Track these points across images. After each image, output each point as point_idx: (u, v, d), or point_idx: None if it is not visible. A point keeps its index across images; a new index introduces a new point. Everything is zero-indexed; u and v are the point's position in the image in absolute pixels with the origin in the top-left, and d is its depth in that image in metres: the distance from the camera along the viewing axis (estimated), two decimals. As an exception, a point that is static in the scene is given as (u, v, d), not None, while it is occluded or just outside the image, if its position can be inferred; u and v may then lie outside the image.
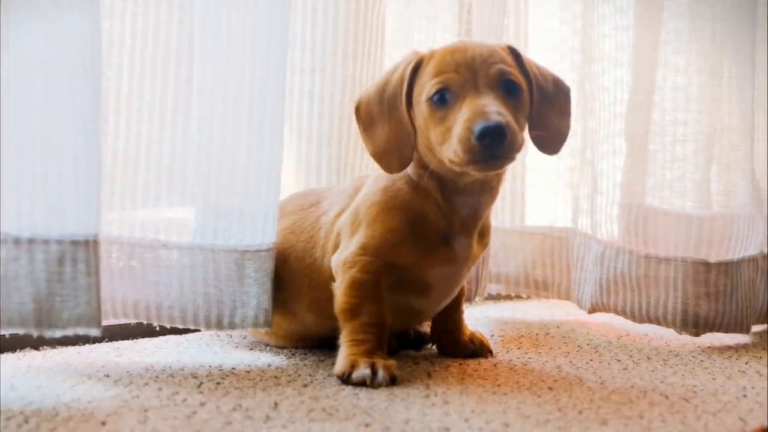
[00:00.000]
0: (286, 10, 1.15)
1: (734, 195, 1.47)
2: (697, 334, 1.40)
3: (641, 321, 1.43)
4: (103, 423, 0.87)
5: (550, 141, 1.12)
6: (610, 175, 1.48)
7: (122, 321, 1.21)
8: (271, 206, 1.17)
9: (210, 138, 1.14)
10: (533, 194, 1.67)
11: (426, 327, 1.31)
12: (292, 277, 1.18)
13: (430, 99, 1.04)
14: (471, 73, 1.04)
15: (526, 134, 1.09)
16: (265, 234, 1.16)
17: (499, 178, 1.13)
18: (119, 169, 1.16)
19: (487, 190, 1.12)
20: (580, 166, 1.54)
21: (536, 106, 1.10)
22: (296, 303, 1.19)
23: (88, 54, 0.99)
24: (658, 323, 1.42)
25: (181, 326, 1.17)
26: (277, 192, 1.17)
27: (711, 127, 1.45)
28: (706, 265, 1.39)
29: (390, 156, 1.09)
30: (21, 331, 0.98)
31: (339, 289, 1.11)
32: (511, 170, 1.59)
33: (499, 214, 1.61)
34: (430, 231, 1.10)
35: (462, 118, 1.00)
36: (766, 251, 1.49)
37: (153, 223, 1.16)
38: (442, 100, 1.04)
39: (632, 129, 1.46)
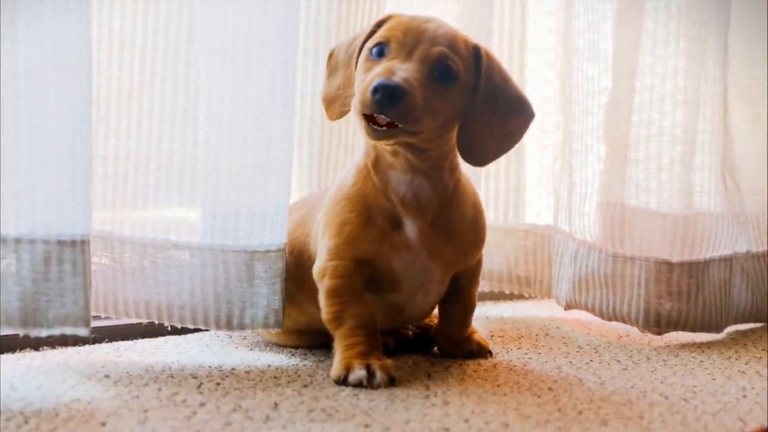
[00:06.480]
0: (295, 6, 1.15)
1: (706, 195, 1.47)
2: (659, 333, 1.41)
3: (609, 319, 1.44)
4: (103, 423, 0.87)
5: (471, 150, 1.11)
6: (588, 173, 1.47)
7: (134, 321, 1.21)
8: (281, 206, 1.16)
9: (219, 136, 1.14)
10: (520, 192, 1.65)
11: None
12: (296, 268, 1.19)
13: (370, 49, 1.07)
14: (414, 41, 1.05)
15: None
16: (274, 234, 1.15)
17: (430, 162, 1.09)
18: (131, 169, 1.16)
19: (420, 172, 1.09)
20: (561, 165, 1.54)
21: (476, 109, 1.09)
22: (300, 292, 1.19)
23: (78, 53, 0.99)
24: (624, 321, 1.42)
25: (191, 326, 1.17)
26: (287, 191, 1.17)
27: (690, 126, 1.44)
28: (669, 264, 1.39)
29: (334, 102, 1.13)
30: (7, 331, 0.98)
31: (321, 299, 1.11)
32: (493, 169, 1.59)
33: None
34: (378, 214, 1.10)
35: (373, 72, 1.03)
36: (755, 250, 1.49)
37: (164, 222, 1.16)
38: (380, 53, 1.06)
39: (612, 129, 1.46)
